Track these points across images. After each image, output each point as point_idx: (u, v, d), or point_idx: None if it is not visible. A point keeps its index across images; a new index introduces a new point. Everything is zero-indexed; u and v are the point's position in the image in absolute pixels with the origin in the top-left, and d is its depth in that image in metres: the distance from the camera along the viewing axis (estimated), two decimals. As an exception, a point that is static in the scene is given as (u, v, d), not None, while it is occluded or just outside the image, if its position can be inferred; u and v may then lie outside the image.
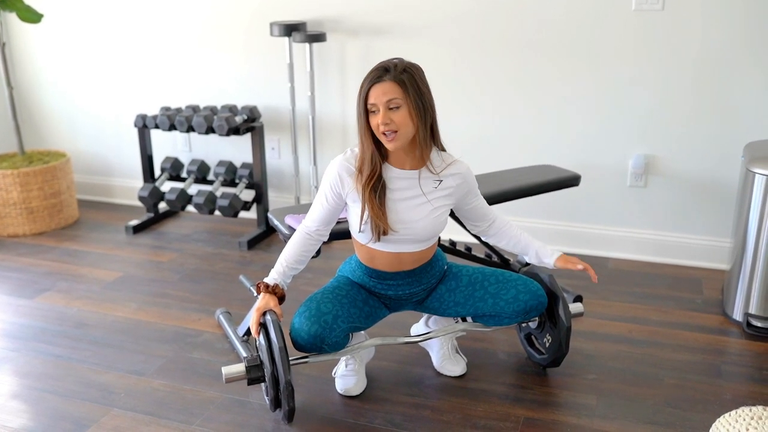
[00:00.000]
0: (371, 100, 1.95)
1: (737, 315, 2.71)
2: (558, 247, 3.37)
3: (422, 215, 2.07)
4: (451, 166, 2.10)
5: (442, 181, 2.09)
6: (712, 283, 3.06)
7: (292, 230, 2.41)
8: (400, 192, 2.07)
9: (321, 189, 2.13)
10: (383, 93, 1.94)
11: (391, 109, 1.94)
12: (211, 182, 3.83)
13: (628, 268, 3.23)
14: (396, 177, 2.07)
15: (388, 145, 1.98)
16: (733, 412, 1.76)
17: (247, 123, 3.58)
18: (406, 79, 1.94)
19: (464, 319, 2.39)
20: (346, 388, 2.30)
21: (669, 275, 3.16)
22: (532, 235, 3.23)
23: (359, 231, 2.09)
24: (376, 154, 2.02)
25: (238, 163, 3.85)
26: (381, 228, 2.05)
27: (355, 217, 2.08)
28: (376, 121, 1.96)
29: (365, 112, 1.97)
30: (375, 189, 2.03)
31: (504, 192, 2.69)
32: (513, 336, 2.62)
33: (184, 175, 3.89)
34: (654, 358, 2.50)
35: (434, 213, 2.09)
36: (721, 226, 3.15)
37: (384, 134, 1.96)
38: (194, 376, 2.42)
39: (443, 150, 2.13)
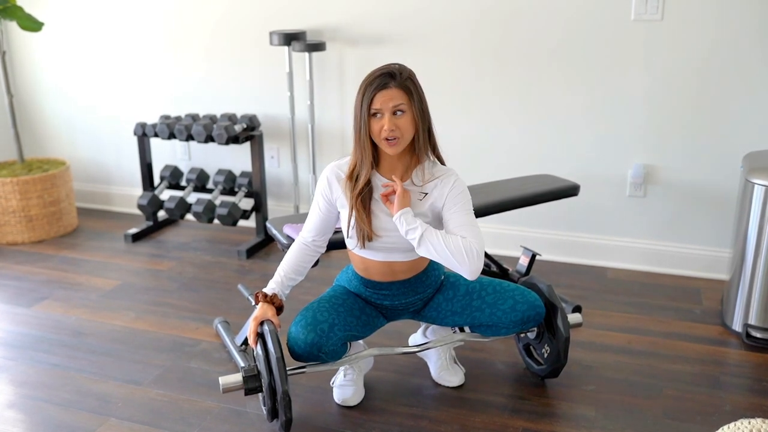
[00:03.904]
0: (376, 105, 1.95)
1: (736, 326, 2.70)
2: (557, 257, 3.40)
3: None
4: (439, 179, 2.06)
5: (427, 194, 2.06)
6: (712, 293, 3.06)
7: (291, 239, 2.41)
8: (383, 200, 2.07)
9: (315, 196, 2.14)
10: (390, 99, 1.95)
11: (395, 114, 1.95)
12: (210, 191, 3.83)
13: (627, 278, 3.23)
14: (381, 185, 2.07)
15: (390, 150, 1.99)
16: (732, 424, 1.75)
17: (246, 132, 3.58)
18: (410, 85, 1.97)
19: (462, 329, 2.38)
20: (343, 399, 2.29)
21: (668, 285, 3.15)
22: (532, 245, 3.25)
23: (348, 236, 2.10)
24: (371, 159, 2.02)
25: (237, 172, 3.86)
26: (365, 232, 2.05)
27: (344, 221, 2.09)
28: (379, 125, 1.96)
29: (368, 116, 1.97)
30: (361, 193, 2.03)
31: (503, 202, 2.69)
32: (511, 346, 2.62)
33: (183, 183, 3.89)
34: (653, 369, 2.49)
35: None
36: (721, 237, 3.15)
37: (386, 139, 1.97)
38: (192, 386, 2.42)
39: (442, 162, 2.11)
